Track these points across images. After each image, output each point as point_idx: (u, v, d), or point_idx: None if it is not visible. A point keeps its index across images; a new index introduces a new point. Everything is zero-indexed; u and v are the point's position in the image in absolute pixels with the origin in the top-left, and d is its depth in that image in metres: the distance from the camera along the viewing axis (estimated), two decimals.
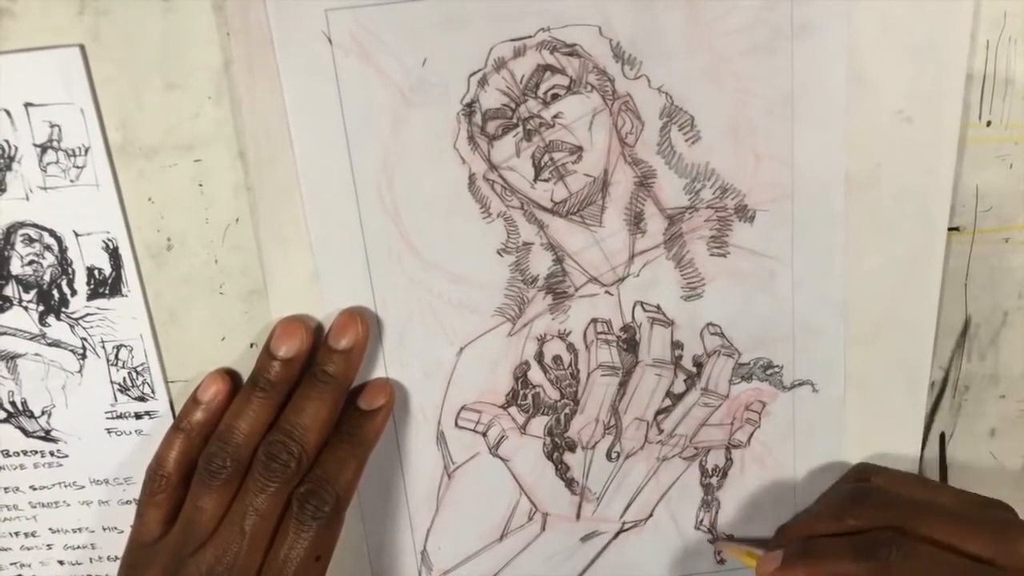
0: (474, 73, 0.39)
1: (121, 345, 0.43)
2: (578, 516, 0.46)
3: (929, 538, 0.38)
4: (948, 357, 0.46)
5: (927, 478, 0.43)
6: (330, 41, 0.38)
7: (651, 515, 0.46)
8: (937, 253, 0.43)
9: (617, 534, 0.47)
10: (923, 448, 0.46)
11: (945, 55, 0.39)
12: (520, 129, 0.40)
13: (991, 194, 0.43)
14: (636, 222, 0.42)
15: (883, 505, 0.41)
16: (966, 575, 0.37)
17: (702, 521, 0.47)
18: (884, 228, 0.42)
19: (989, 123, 0.42)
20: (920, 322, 0.44)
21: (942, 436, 0.47)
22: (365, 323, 0.41)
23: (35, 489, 0.45)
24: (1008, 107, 0.42)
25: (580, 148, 0.40)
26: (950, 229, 0.43)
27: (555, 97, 0.39)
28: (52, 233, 0.41)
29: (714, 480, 0.46)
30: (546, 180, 0.41)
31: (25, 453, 0.44)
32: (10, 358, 0.43)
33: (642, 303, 0.43)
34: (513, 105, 0.39)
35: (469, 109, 0.39)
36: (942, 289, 0.43)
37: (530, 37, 0.38)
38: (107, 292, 0.42)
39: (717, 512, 0.46)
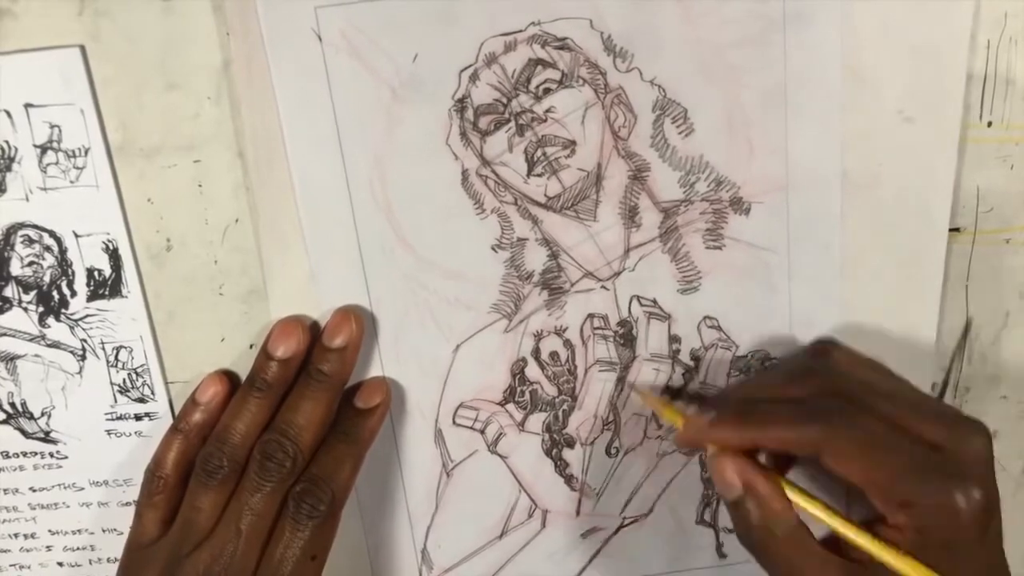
0: (465, 68, 0.39)
1: (121, 346, 0.43)
2: (578, 512, 0.46)
3: (878, 414, 0.35)
4: (949, 358, 0.45)
5: (890, 369, 0.41)
6: (320, 39, 0.38)
7: (651, 510, 0.46)
8: (938, 254, 0.43)
9: (617, 530, 0.46)
10: None
11: (946, 55, 0.40)
12: (512, 124, 0.40)
13: (992, 195, 0.43)
14: (631, 216, 0.42)
15: (835, 377, 0.38)
16: (912, 455, 0.35)
17: (703, 516, 0.46)
18: (885, 229, 0.42)
19: (990, 123, 0.42)
20: (921, 323, 0.44)
21: None
22: (360, 321, 0.42)
23: (34, 491, 0.45)
24: (1009, 107, 0.42)
25: (573, 142, 0.40)
26: (951, 230, 0.43)
27: (547, 91, 0.40)
28: (52, 234, 0.41)
29: None
30: (539, 175, 0.41)
31: (24, 454, 0.45)
32: (10, 359, 0.43)
33: (638, 297, 0.43)
34: (505, 100, 0.40)
35: (461, 105, 0.40)
36: (943, 290, 0.43)
37: (521, 31, 0.39)
38: (107, 293, 0.42)
39: (718, 507, 0.46)
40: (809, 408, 0.36)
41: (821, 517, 0.36)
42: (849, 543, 0.36)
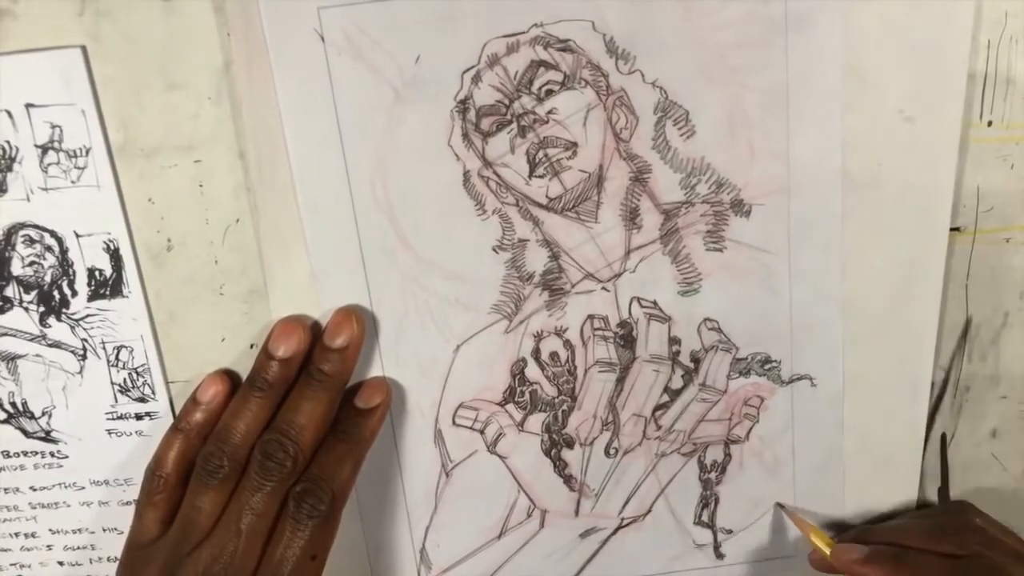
0: (467, 70, 0.39)
1: (121, 346, 0.43)
2: (577, 512, 0.46)
3: None
4: (949, 357, 0.46)
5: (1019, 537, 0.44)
6: (323, 39, 0.38)
7: (650, 511, 0.46)
8: (938, 253, 0.43)
9: (616, 530, 0.46)
10: (924, 449, 0.46)
11: (946, 55, 0.40)
12: (514, 125, 0.40)
13: (992, 194, 0.43)
14: (632, 217, 0.42)
15: (986, 544, 0.41)
16: None
17: (701, 516, 0.46)
18: (885, 228, 0.42)
19: (990, 123, 0.42)
20: (921, 322, 0.44)
21: (943, 437, 0.47)
22: (360, 321, 0.42)
23: (35, 490, 0.45)
24: (1009, 107, 0.42)
25: (575, 144, 0.40)
26: (951, 229, 0.43)
27: (549, 93, 0.40)
28: (53, 234, 0.41)
29: (713, 475, 0.45)
30: (541, 176, 0.41)
31: (25, 454, 0.45)
32: (11, 359, 0.43)
33: (639, 299, 0.43)
34: (507, 101, 0.40)
35: (463, 106, 0.40)
36: (943, 289, 0.43)
37: (523, 33, 0.39)
38: (108, 293, 0.42)
39: (716, 507, 0.46)
40: (962, 569, 0.40)
41: None
42: None
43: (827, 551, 0.44)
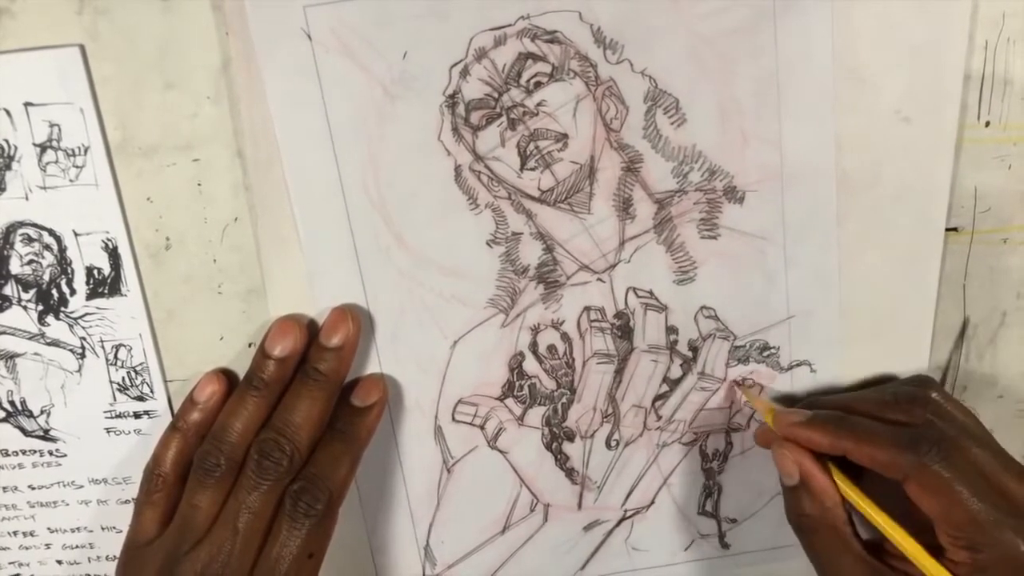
0: (455, 64, 0.39)
1: (120, 344, 0.43)
2: (579, 506, 0.45)
3: (970, 458, 0.37)
4: (946, 357, 0.45)
5: (979, 419, 0.41)
6: (310, 38, 0.39)
7: (653, 502, 0.46)
8: (935, 253, 0.43)
9: (620, 522, 0.46)
10: None
11: (943, 55, 0.40)
12: (504, 118, 0.40)
13: (989, 194, 0.43)
14: (625, 208, 0.42)
15: (936, 414, 0.39)
16: (995, 505, 0.36)
17: (704, 506, 0.46)
18: (882, 228, 0.42)
19: (987, 123, 0.42)
20: (918, 322, 0.44)
21: None
22: (356, 320, 0.42)
23: (34, 488, 0.45)
24: (1006, 107, 0.42)
25: (565, 135, 0.41)
26: (948, 229, 0.43)
27: (538, 85, 0.40)
28: (51, 232, 0.42)
29: (715, 464, 0.45)
30: (532, 169, 0.41)
31: (24, 452, 0.45)
32: (9, 357, 0.43)
33: (634, 289, 0.43)
34: (496, 95, 0.40)
35: (452, 100, 0.40)
36: (940, 289, 0.43)
37: (510, 25, 0.39)
38: (106, 292, 0.42)
39: (719, 497, 0.45)
40: (909, 435, 0.38)
41: (875, 518, 0.38)
42: (893, 555, 0.38)
43: (769, 417, 0.41)
